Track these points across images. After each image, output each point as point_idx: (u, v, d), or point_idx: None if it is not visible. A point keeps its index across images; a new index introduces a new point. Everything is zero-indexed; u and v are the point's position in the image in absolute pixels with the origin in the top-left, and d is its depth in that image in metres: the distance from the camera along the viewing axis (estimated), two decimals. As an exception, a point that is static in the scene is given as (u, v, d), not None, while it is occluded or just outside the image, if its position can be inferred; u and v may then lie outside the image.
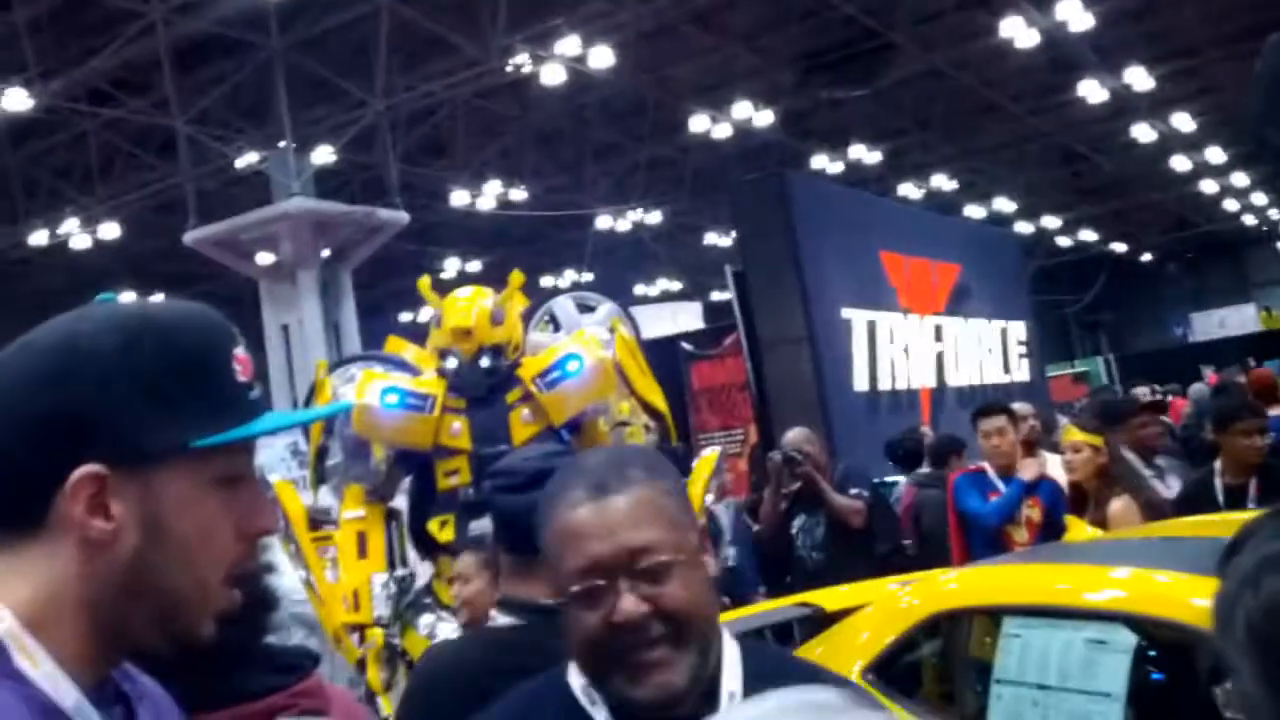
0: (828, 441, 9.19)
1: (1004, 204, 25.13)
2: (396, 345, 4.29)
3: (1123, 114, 20.20)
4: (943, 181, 23.16)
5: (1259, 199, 28.05)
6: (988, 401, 6.52)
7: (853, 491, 6.40)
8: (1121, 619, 3.11)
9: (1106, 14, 15.78)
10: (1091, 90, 18.27)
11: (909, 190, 22.63)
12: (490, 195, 19.49)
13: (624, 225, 22.48)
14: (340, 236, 16.22)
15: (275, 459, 10.86)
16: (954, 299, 13.30)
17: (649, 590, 1.40)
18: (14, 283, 21.24)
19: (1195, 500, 4.93)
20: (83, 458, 0.97)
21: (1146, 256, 32.27)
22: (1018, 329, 14.85)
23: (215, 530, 1.04)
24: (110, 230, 18.25)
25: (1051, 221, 27.53)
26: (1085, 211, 27.62)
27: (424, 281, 4.04)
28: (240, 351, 1.12)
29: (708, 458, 4.11)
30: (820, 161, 20.23)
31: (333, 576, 3.87)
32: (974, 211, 24.42)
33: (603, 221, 22.00)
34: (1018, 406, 6.58)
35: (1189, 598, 3.00)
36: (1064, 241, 29.25)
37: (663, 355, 9.86)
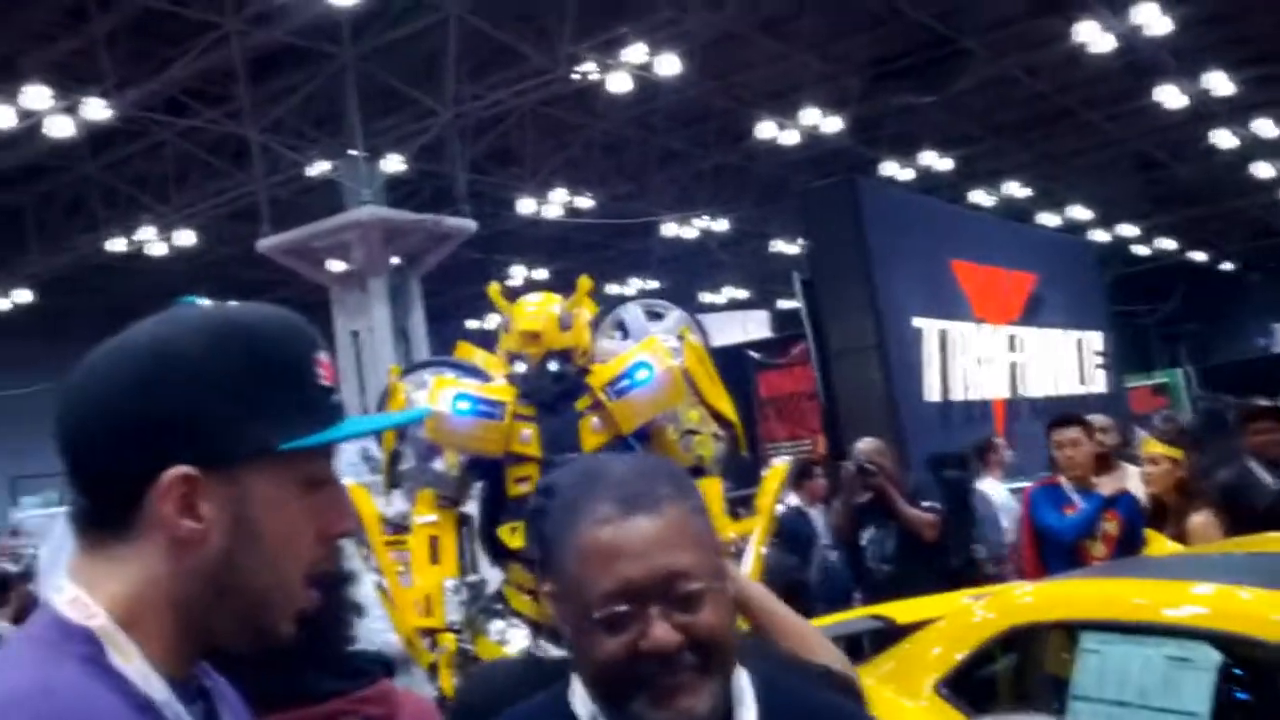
0: (899, 452, 9.08)
1: (1079, 212, 24.72)
2: (466, 352, 4.28)
3: (1202, 120, 19.78)
4: (1015, 189, 22.85)
5: (1345, 206, 27.34)
6: (1063, 412, 6.38)
7: (925, 504, 6.29)
8: (1204, 636, 3.00)
9: (1185, 18, 15.46)
10: (1170, 95, 17.92)
11: (980, 197, 22.36)
12: (557, 203, 19.57)
13: (690, 233, 22.45)
14: (409, 244, 16.39)
15: (346, 464, 10.93)
16: (1029, 308, 13.09)
17: (681, 618, 1.31)
18: (93, 290, 21.72)
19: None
20: (174, 459, 1.00)
21: (1227, 265, 31.56)
22: (1094, 339, 14.59)
23: (298, 531, 1.07)
24: (186, 238, 18.62)
25: (1128, 230, 27.03)
26: (1163, 219, 27.07)
27: (494, 287, 4.03)
28: (323, 356, 1.12)
29: (778, 468, 4.05)
30: (890, 168, 20.05)
31: (406, 581, 3.88)
32: (1048, 219, 24.06)
33: (668, 229, 22.00)
34: (1095, 419, 6.41)
35: (1275, 615, 2.90)
36: (1141, 250, 28.71)
37: (729, 364, 9.78)
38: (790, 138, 18.20)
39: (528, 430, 3.76)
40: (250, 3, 13.47)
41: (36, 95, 13.67)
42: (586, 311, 4.06)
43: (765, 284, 27.34)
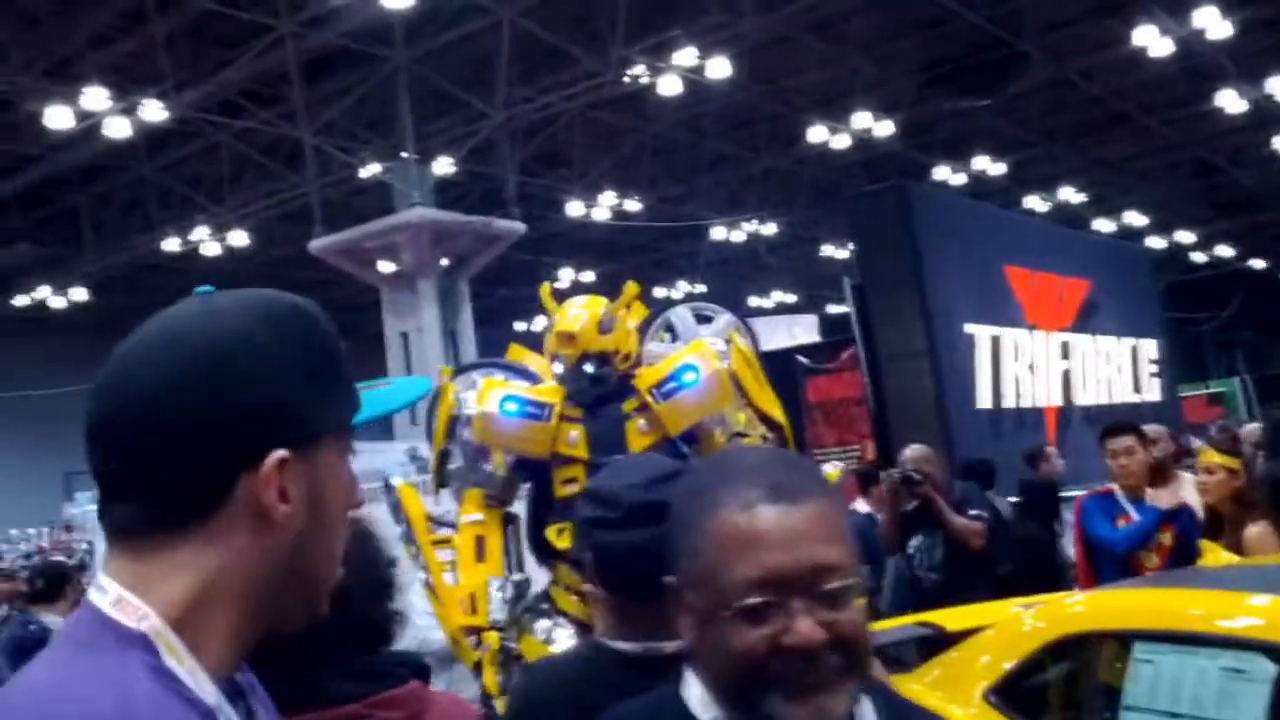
0: (948, 460, 8.99)
1: (1135, 218, 24.42)
2: (518, 354, 4.30)
3: (1263, 125, 19.47)
4: (1070, 194, 22.61)
5: None
6: (1116, 421, 6.27)
7: (972, 513, 6.22)
8: (1260, 648, 2.94)
9: (1246, 21, 15.22)
10: (1229, 100, 17.65)
11: (1034, 203, 22.15)
12: (605, 206, 19.61)
13: (738, 236, 22.42)
14: (459, 246, 16.49)
15: (394, 464, 11.03)
16: (1082, 315, 12.93)
17: (826, 615, 1.23)
18: (147, 289, 22.02)
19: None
20: (269, 445, 1.00)
21: (1286, 273, 31.09)
22: (1149, 347, 14.39)
23: (344, 507, 1.09)
24: (239, 238, 18.85)
25: (1185, 236, 26.66)
26: (1221, 226, 26.67)
27: (545, 288, 4.05)
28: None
29: (829, 474, 4.01)
30: (942, 173, 19.91)
31: (451, 579, 3.89)
32: (1103, 225, 23.78)
33: (717, 232, 21.98)
34: (1149, 429, 6.30)
35: (1336, 628, 2.83)
36: (1199, 257, 28.31)
37: (778, 368, 9.74)
38: (841, 141, 18.11)
39: (574, 432, 3.77)
40: (305, 6, 13.62)
41: (95, 97, 13.90)
42: (636, 316, 4.06)
43: (813, 288, 27.23)
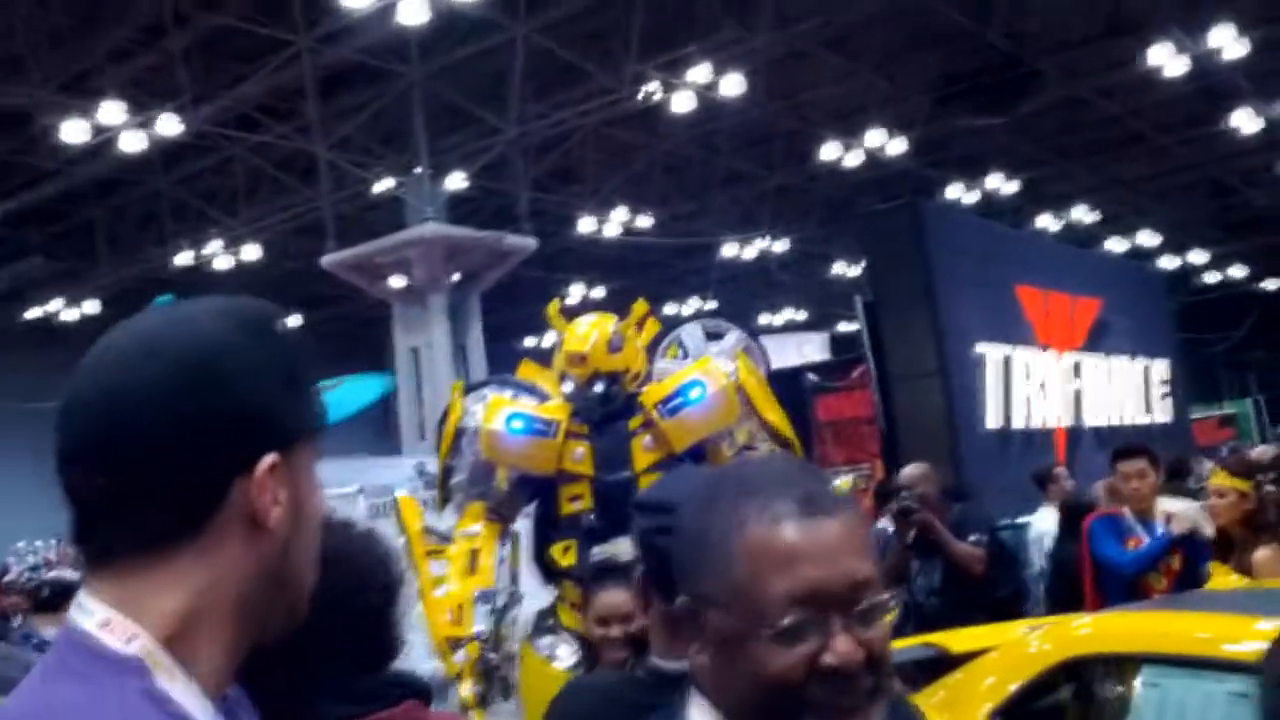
0: (956, 480, 8.95)
1: (1148, 238, 24.35)
2: (530, 370, 4.31)
3: (1277, 146, 19.41)
4: (1083, 213, 22.56)
5: None
6: (1128, 443, 6.24)
7: (972, 539, 6.19)
8: (1270, 674, 2.91)
9: (1261, 41, 15.19)
10: (1244, 120, 17.61)
11: (1047, 222, 22.10)
12: (617, 222, 19.63)
13: (750, 253, 22.41)
14: (470, 261, 16.52)
15: (403, 479, 11.03)
16: (1094, 335, 12.90)
17: (862, 633, 1.17)
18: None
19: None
20: (260, 450, 0.99)
21: (1300, 295, 30.95)
22: (1160, 368, 14.34)
23: (319, 509, 1.09)
24: (252, 252, 18.90)
25: (1198, 256, 26.59)
26: (1234, 246, 26.59)
27: (553, 306, 4.06)
28: None
29: (839, 485, 3.99)
30: (955, 191, 19.89)
31: (444, 592, 3.91)
32: (1115, 245, 23.71)
33: (728, 249, 21.97)
34: None
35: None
36: (1211, 278, 28.21)
37: (788, 386, 9.74)
38: (855, 159, 18.11)
39: (580, 449, 3.78)
40: (321, 21, 13.69)
41: (111, 111, 13.98)
42: (648, 333, 4.06)
43: (825, 306, 27.20)
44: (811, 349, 17.91)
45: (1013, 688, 3.55)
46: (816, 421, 12.67)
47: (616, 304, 4.02)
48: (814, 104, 17.68)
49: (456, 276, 16.42)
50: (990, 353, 11.23)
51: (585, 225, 19.48)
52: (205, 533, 0.98)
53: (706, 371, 3.80)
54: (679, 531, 1.28)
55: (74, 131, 14.26)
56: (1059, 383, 12.17)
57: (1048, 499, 7.92)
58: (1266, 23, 15.21)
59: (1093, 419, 12.63)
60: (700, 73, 14.63)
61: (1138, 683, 3.20)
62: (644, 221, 19.85)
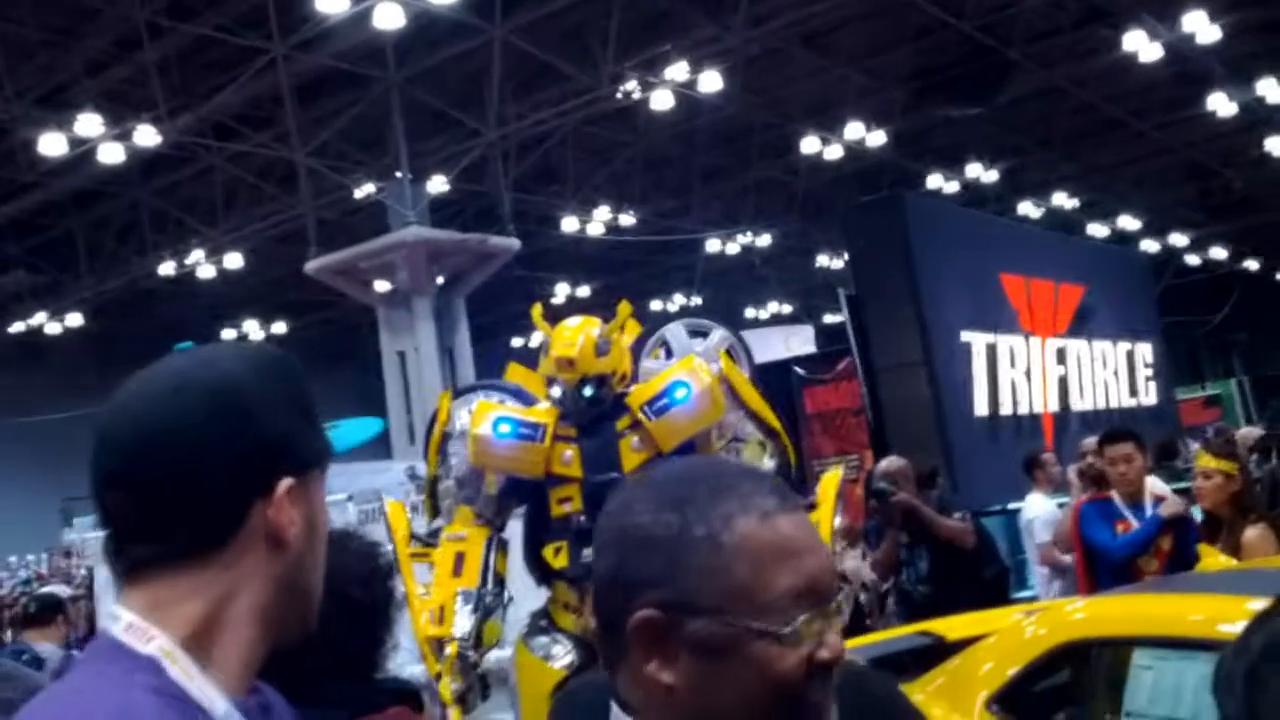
0: (947, 468, 8.99)
1: (1128, 222, 24.46)
2: (517, 373, 4.31)
3: (1254, 128, 19.52)
4: (1063, 200, 22.64)
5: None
6: (1114, 427, 6.28)
7: (957, 515, 6.23)
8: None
9: (1234, 25, 15.28)
10: (1220, 104, 17.70)
11: (1028, 209, 22.18)
12: (600, 221, 19.64)
13: (733, 248, 22.45)
14: (454, 264, 16.50)
15: (393, 483, 11.03)
16: (1078, 320, 12.95)
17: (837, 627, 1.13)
18: (142, 313, 22.04)
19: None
20: (279, 474, 1.11)
21: (1281, 275, 31.13)
22: (1145, 351, 14.41)
23: (326, 529, 1.21)
24: (234, 260, 18.86)
25: (1179, 239, 26.71)
26: (1215, 229, 26.71)
27: (536, 309, 4.08)
28: None
29: (831, 476, 4.00)
30: (935, 181, 19.95)
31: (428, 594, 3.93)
32: (1097, 230, 23.81)
33: (712, 245, 22.01)
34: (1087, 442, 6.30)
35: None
36: (1193, 260, 28.34)
37: (775, 379, 9.77)
38: (834, 152, 18.15)
39: (569, 451, 3.80)
40: (297, 28, 13.65)
41: (89, 123, 13.93)
42: (630, 335, 4.07)
43: (810, 299, 27.26)
44: (798, 342, 17.89)
45: (1010, 673, 3.57)
46: (804, 414, 12.68)
47: (602, 302, 4.02)
48: (792, 99, 17.72)
49: (441, 279, 16.40)
50: (975, 341, 11.27)
51: (568, 225, 19.48)
52: (228, 548, 1.10)
53: (691, 370, 3.81)
54: (627, 539, 1.13)
55: (52, 144, 14.20)
56: (1044, 368, 12.23)
57: (1036, 485, 7.96)
58: (1238, 7, 15.30)
59: (1079, 404, 12.69)
60: (678, 70, 14.65)
61: (1132, 666, 3.22)
62: (627, 219, 19.86)
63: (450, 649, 3.56)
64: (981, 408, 11.22)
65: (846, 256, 14.87)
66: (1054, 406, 12.25)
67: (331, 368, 22.64)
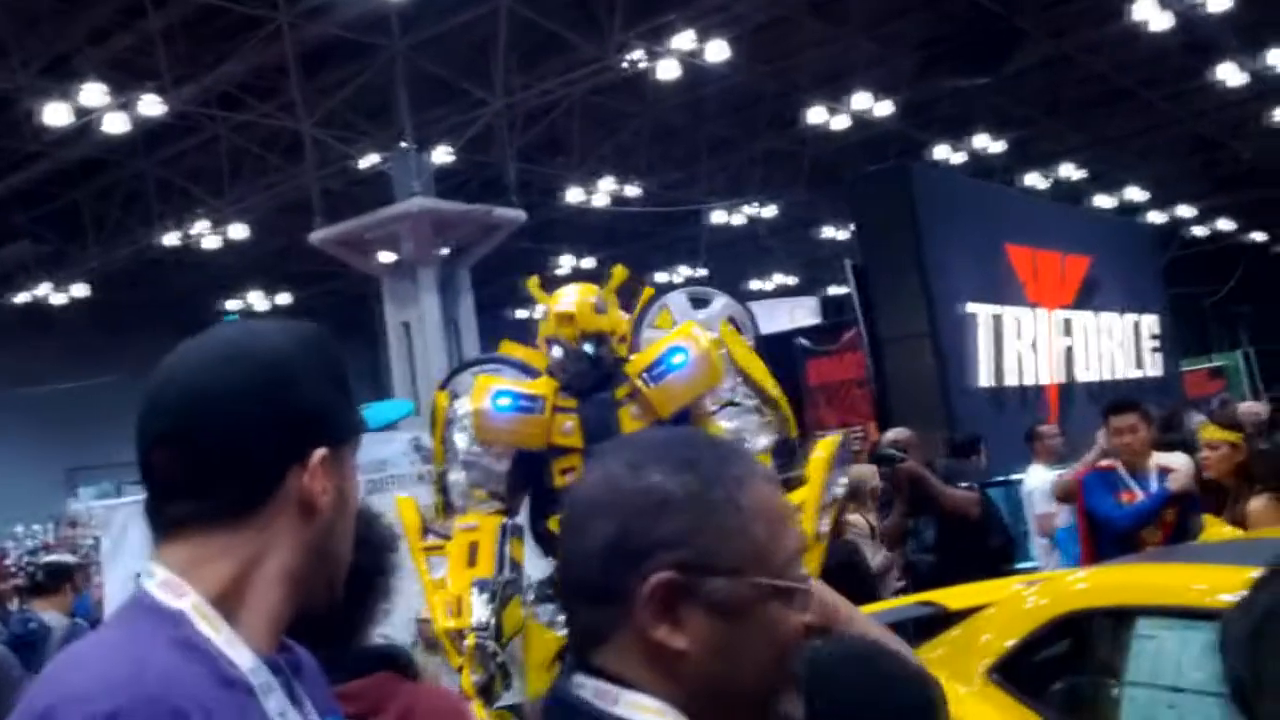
0: (950, 438, 8.99)
1: (1135, 193, 24.35)
2: (510, 350, 4.31)
3: (1263, 98, 19.40)
4: (1070, 171, 22.54)
5: None
6: (1119, 398, 6.28)
7: (963, 485, 6.24)
8: (1264, 622, 2.94)
9: (1246, -7, 15.16)
10: (1230, 74, 17.58)
11: (1035, 180, 22.09)
12: (605, 192, 19.58)
13: (739, 220, 22.39)
14: (459, 235, 16.48)
15: (398, 454, 11.01)
16: (1083, 292, 12.93)
17: None
18: (147, 284, 22.05)
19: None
20: (314, 443, 1.18)
21: (1288, 246, 31.03)
22: (1150, 322, 14.39)
23: (357, 500, 1.28)
24: (239, 231, 18.84)
25: (1186, 211, 26.61)
26: (1222, 200, 26.61)
27: (532, 280, 4.07)
28: None
29: (825, 445, 3.96)
30: (942, 152, 19.86)
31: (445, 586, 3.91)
32: (1103, 201, 23.72)
33: (717, 216, 21.95)
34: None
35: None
36: (1200, 231, 28.24)
37: (779, 351, 9.76)
38: (841, 122, 18.06)
39: (569, 422, 3.80)
40: (301, -3, 13.60)
41: (93, 93, 13.90)
42: (638, 303, 4.07)
43: (815, 271, 27.20)
44: (802, 313, 17.90)
45: (1010, 643, 3.59)
46: (808, 385, 12.70)
47: (606, 274, 4.01)
48: (799, 68, 17.62)
49: (445, 250, 16.37)
50: (980, 312, 11.26)
51: (573, 195, 19.43)
52: (262, 511, 1.16)
53: (688, 336, 3.82)
54: (633, 503, 1.10)
55: (56, 114, 14.18)
56: (1050, 340, 12.21)
57: (1036, 457, 7.97)
58: (1250, -25, 15.17)
59: (1084, 375, 12.68)
60: (684, 40, 14.57)
61: (1134, 635, 3.23)
62: (632, 190, 19.80)
63: (469, 640, 3.53)
64: (986, 379, 11.22)
65: (852, 228, 14.84)
66: (1059, 378, 12.24)
67: (335, 338, 22.59)
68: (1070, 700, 3.50)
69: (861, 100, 17.28)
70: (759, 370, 3.86)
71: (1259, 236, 29.65)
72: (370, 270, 17.03)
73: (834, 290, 24.22)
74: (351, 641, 2.05)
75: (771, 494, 1.13)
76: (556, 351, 3.76)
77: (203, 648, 1.09)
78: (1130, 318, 13.92)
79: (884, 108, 17.65)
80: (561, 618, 3.91)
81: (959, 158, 20.06)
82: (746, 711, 1.11)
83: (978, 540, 6.18)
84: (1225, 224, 28.26)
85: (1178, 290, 20.05)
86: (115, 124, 14.58)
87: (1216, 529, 4.80)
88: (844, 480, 3.69)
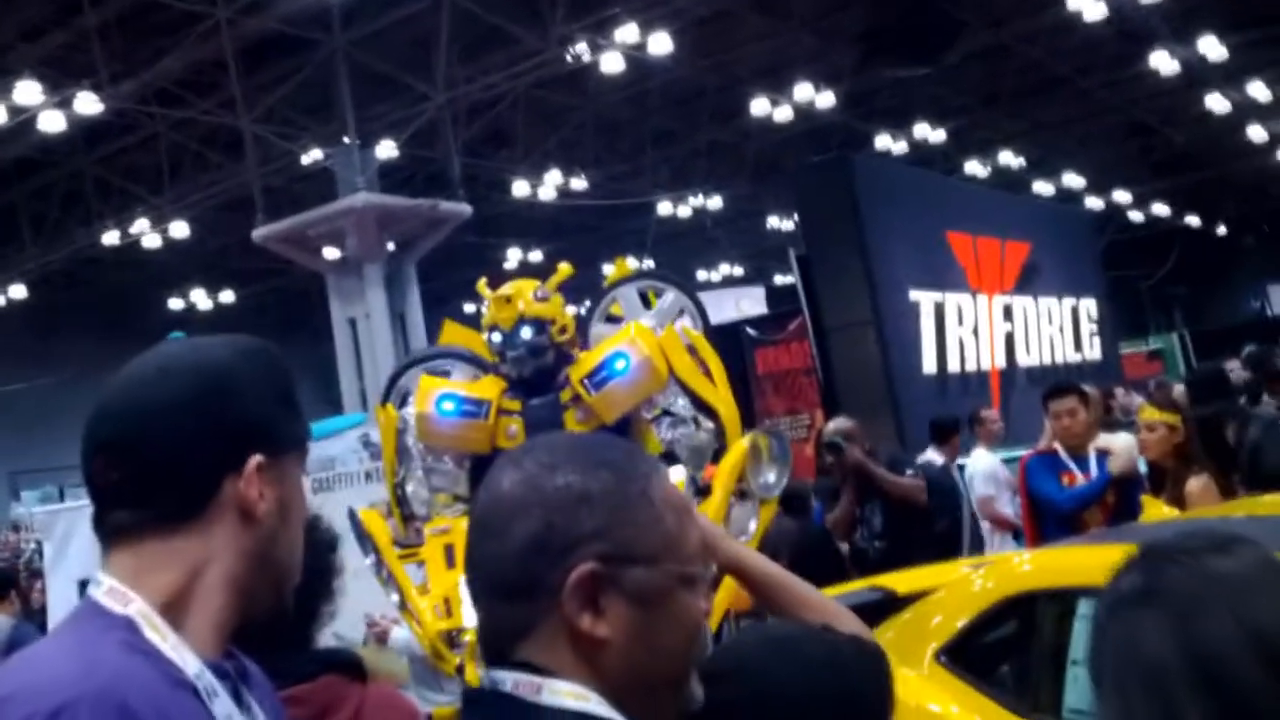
0: (896, 425, 9.11)
1: (1073, 180, 24.70)
2: (453, 331, 4.25)
3: (1195, 85, 19.75)
4: (1009, 159, 22.82)
5: (1339, 168, 27.24)
6: (1059, 382, 6.41)
7: (909, 472, 6.33)
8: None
9: (1176, -17, 15.43)
10: (1162, 62, 17.87)
11: (975, 168, 22.33)
12: (551, 185, 19.54)
13: (685, 211, 22.44)
14: (405, 230, 16.37)
15: (347, 451, 10.92)
16: (1024, 278, 13.13)
17: None
18: (87, 284, 21.71)
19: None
20: (251, 452, 1.21)
21: (1221, 229, 31.57)
22: (1089, 306, 14.64)
23: (302, 509, 1.30)
24: (180, 229, 18.58)
25: (1122, 196, 27.02)
26: (1157, 185, 27.06)
27: (481, 283, 3.99)
28: None
29: (730, 457, 3.78)
30: (884, 142, 20.02)
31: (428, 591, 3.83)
32: (1042, 188, 24.03)
33: (664, 208, 21.97)
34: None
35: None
36: (1136, 216, 28.69)
37: (726, 341, 9.83)
38: (784, 114, 18.16)
39: (514, 426, 3.74)
40: (239, -8, 13.44)
41: (28, 90, 13.64)
42: (606, 283, 4.05)
43: (761, 261, 27.33)
44: (749, 303, 18.00)
45: (959, 625, 3.66)
46: (755, 374, 12.80)
47: (554, 267, 3.99)
48: (741, 60, 17.70)
49: (391, 246, 16.27)
50: (923, 299, 11.40)
51: (519, 189, 19.37)
52: (202, 519, 1.19)
53: (631, 341, 3.75)
54: (552, 500, 1.16)
55: (-11, 113, 13.92)
56: (991, 326, 12.39)
57: (978, 440, 8.13)
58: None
59: (1025, 359, 12.88)
60: (627, 33, 14.57)
61: (1078, 615, 3.31)
62: (578, 183, 19.78)
63: (469, 637, 3.48)
64: (930, 365, 11.37)
65: (796, 218, 14.95)
66: (1001, 363, 12.43)
67: (281, 336, 22.37)
68: (1018, 680, 3.58)
69: (804, 92, 17.38)
70: (699, 382, 3.80)
71: (1193, 220, 30.18)
72: (315, 267, 16.88)
73: (780, 280, 24.36)
74: (300, 645, 2.06)
75: (674, 488, 1.22)
76: (495, 337, 3.71)
77: (151, 652, 1.12)
78: (1069, 302, 14.15)
79: (826, 99, 17.76)
80: None
81: (900, 147, 20.24)
82: (662, 693, 1.17)
83: (925, 526, 6.27)
84: (1160, 209, 28.74)
85: (1115, 274, 20.41)
86: (52, 122, 14.33)
87: (1156, 509, 4.91)
88: (772, 477, 3.62)
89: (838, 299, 10.83)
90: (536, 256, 23.91)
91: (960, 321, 11.87)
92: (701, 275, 27.05)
